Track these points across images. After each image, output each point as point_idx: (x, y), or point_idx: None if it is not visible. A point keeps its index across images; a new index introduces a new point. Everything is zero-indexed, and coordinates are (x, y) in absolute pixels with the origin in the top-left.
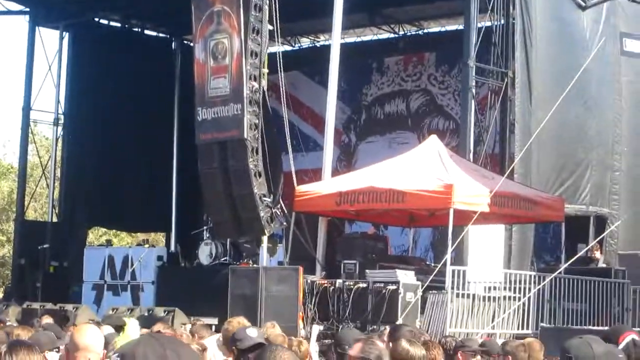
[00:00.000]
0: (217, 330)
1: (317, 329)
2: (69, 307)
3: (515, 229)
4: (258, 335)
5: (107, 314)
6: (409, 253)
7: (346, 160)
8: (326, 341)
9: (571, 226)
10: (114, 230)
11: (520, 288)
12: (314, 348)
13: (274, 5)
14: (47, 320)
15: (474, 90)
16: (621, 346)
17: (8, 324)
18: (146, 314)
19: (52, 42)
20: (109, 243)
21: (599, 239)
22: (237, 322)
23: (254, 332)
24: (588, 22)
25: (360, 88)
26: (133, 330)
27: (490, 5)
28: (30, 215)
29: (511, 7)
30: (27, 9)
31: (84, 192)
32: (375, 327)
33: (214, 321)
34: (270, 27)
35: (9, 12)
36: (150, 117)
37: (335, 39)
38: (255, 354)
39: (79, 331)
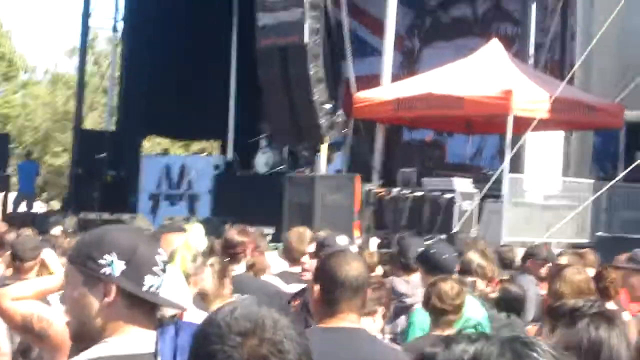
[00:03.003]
0: (275, 240)
1: (375, 241)
2: (126, 217)
3: (574, 137)
4: (348, 243)
5: (163, 224)
6: (467, 161)
7: (409, 67)
8: (383, 250)
9: (631, 134)
10: (171, 139)
11: (577, 196)
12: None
13: None
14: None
15: None
16: None
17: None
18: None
19: None
20: (165, 152)
21: None
22: (298, 231)
23: (344, 239)
24: None
25: None
26: (197, 235)
27: None
28: (88, 124)
29: None
30: None
31: (141, 100)
32: (431, 236)
33: (271, 230)
34: None
35: None
36: (209, 22)
37: None
38: (325, 255)
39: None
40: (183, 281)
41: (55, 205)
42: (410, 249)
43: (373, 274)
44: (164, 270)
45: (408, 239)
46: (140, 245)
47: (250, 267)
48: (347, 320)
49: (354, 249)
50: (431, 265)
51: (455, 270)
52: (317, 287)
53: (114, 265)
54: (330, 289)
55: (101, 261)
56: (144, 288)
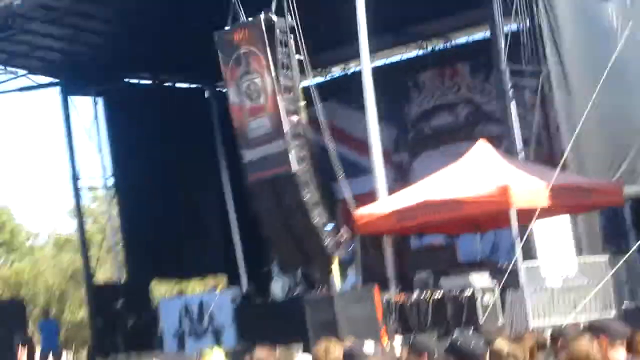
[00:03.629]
0: None
1: (399, 338)
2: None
3: (580, 218)
4: (375, 350)
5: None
6: (479, 258)
7: (402, 179)
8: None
9: (637, 207)
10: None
11: (596, 274)
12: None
13: (299, 38)
14: None
15: (510, 93)
16: None
17: None
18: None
19: (87, 108)
20: (181, 293)
21: None
22: (326, 344)
23: (370, 346)
24: (613, 10)
25: (401, 107)
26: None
27: (514, 7)
28: (100, 278)
29: (534, 7)
30: (57, 80)
31: (145, 247)
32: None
33: (299, 346)
34: (299, 57)
35: (39, 86)
36: (197, 166)
37: (365, 62)
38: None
39: None
40: None
41: (82, 354)
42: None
43: None
44: None
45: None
46: None
47: None
48: None
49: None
50: (460, 355)
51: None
52: None
53: None
54: None
55: None
56: None
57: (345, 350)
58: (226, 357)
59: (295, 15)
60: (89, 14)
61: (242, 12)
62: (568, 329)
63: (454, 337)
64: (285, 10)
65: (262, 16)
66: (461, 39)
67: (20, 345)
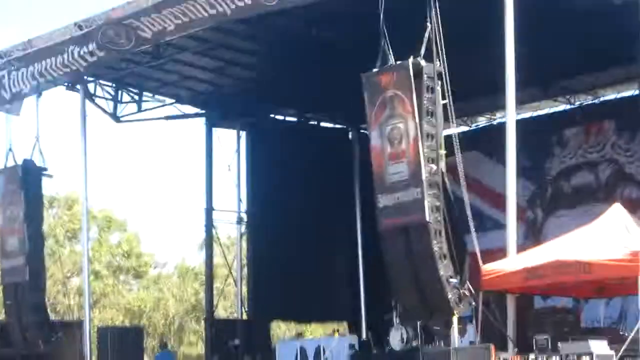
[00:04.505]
0: None
1: None
2: None
3: None
4: None
5: None
6: (602, 324)
7: (533, 237)
8: None
9: None
10: (301, 323)
11: None
12: None
13: (446, 86)
14: None
15: None
16: None
17: None
18: None
19: (229, 141)
20: (299, 335)
21: None
22: None
23: None
24: None
25: (542, 163)
26: None
27: None
28: (220, 313)
29: None
30: (203, 111)
31: (269, 286)
32: None
33: None
34: (444, 101)
35: (185, 116)
36: (331, 207)
37: (510, 114)
38: None
39: None
40: None
41: None
42: None
43: None
44: None
45: None
46: None
47: None
48: None
49: None
50: None
51: None
52: None
53: None
54: None
55: None
56: None
57: None
58: None
59: (443, 61)
60: (239, 48)
61: (392, 55)
62: None
63: None
64: (434, 56)
65: (410, 60)
66: (609, 96)
67: None
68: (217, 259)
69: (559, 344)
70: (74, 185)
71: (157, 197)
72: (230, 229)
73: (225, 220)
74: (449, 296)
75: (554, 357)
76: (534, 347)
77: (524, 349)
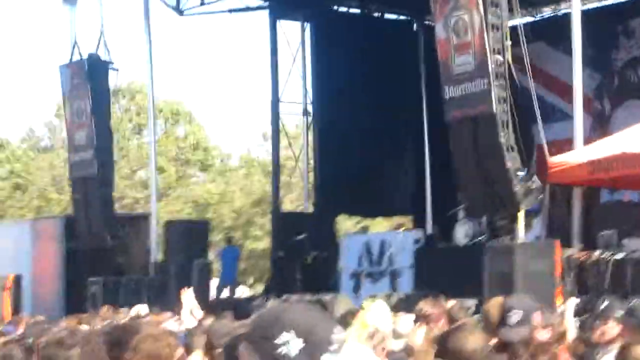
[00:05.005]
0: (477, 312)
1: (573, 302)
2: (327, 297)
3: None
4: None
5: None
6: None
7: (600, 128)
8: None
9: None
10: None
11: None
12: (571, 323)
13: None
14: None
15: None
16: None
17: None
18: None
19: (294, 33)
20: (365, 230)
21: None
22: (496, 302)
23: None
24: None
25: (608, 53)
26: (377, 313)
27: None
28: (286, 207)
29: None
30: (267, 4)
31: (336, 180)
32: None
33: (473, 302)
34: None
35: (248, 9)
36: (397, 100)
37: (575, 4)
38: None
39: None
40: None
41: (258, 289)
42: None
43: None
44: (339, 350)
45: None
46: (318, 323)
47: None
48: None
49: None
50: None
51: None
52: None
53: (291, 345)
54: None
55: (277, 341)
56: None
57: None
58: (399, 302)
59: None
60: None
61: None
62: None
63: (633, 304)
64: None
65: None
66: None
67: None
68: (283, 152)
69: (624, 240)
70: (139, 77)
71: (222, 90)
72: (297, 122)
73: (292, 112)
74: (516, 189)
75: (618, 254)
76: (599, 243)
77: (588, 244)
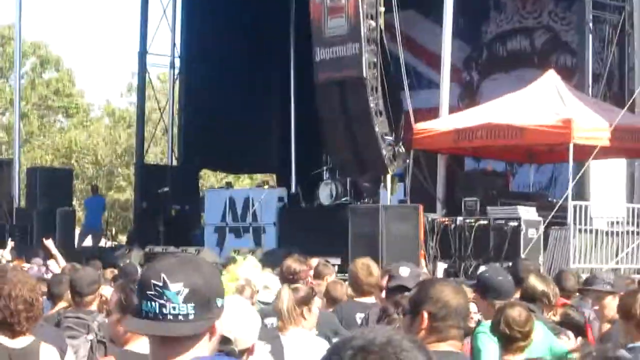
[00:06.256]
0: (341, 271)
1: (442, 266)
2: (191, 250)
3: (638, 163)
4: (410, 274)
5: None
6: (531, 190)
7: (469, 98)
8: (451, 279)
9: None
10: (230, 173)
11: None
12: None
13: None
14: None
15: (591, 25)
16: None
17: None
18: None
19: None
20: (229, 185)
21: None
22: (362, 262)
23: (406, 270)
24: None
25: (478, 26)
26: (247, 267)
27: None
28: (150, 159)
29: None
30: None
31: (201, 134)
32: (498, 263)
33: (337, 261)
34: None
35: None
36: (266, 58)
37: None
38: (425, 284)
39: None
40: (250, 313)
41: (121, 240)
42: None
43: None
44: (160, 295)
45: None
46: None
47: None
48: (455, 346)
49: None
50: (486, 289)
51: (511, 294)
52: (425, 314)
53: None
54: (444, 317)
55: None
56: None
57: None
58: (263, 257)
59: None
60: None
61: None
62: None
63: (482, 271)
64: None
65: None
66: None
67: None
68: (149, 105)
69: (488, 208)
70: (8, 19)
71: (91, 36)
72: (163, 74)
73: (159, 64)
74: (383, 153)
75: (482, 221)
76: (463, 209)
77: (452, 210)
